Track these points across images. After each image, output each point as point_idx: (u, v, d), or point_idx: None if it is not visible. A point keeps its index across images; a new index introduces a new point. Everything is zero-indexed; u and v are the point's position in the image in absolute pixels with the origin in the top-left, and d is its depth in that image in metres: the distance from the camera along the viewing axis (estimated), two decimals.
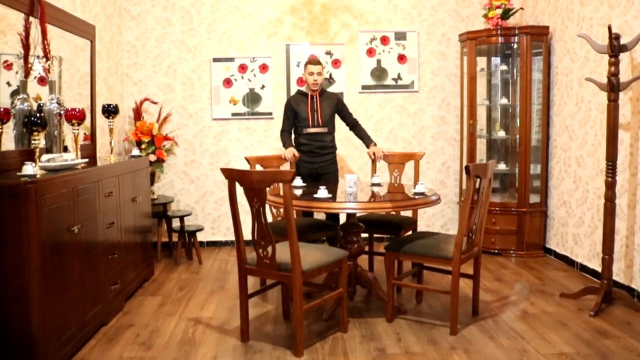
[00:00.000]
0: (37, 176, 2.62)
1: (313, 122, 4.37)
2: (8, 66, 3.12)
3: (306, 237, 3.72)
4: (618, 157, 3.61)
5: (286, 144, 4.39)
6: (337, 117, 4.55)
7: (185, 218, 5.04)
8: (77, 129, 3.35)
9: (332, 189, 3.59)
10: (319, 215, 4.62)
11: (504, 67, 5.23)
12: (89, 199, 3.09)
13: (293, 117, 4.42)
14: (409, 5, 5.41)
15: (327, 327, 3.29)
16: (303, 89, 4.50)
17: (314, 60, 4.34)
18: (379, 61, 5.42)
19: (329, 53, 5.35)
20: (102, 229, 3.29)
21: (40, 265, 2.52)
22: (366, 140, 4.48)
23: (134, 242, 3.92)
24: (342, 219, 4.27)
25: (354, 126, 4.55)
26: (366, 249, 4.14)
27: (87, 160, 3.42)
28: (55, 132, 3.38)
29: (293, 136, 4.50)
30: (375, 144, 4.43)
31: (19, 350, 2.52)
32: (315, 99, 4.38)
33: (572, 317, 3.41)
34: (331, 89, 5.28)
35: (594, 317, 3.40)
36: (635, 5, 3.67)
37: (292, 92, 5.34)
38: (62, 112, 3.37)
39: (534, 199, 4.96)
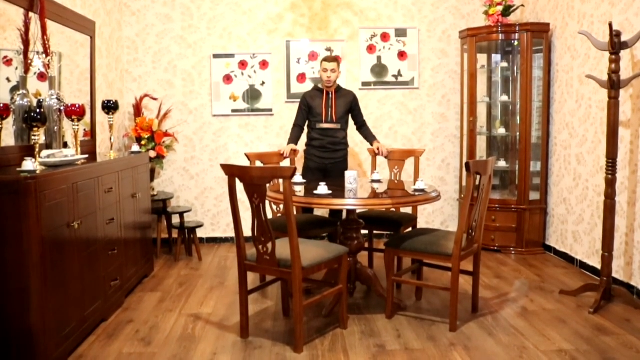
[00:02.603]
0: (37, 172, 2.62)
1: (327, 117, 4.38)
2: (8, 62, 3.12)
3: (306, 234, 3.73)
4: (618, 154, 3.61)
5: (289, 140, 4.41)
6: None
7: (185, 214, 5.04)
8: (77, 125, 3.34)
9: (336, 186, 3.58)
10: (319, 212, 4.62)
11: (505, 64, 5.22)
12: (88, 195, 3.09)
13: (306, 112, 4.45)
14: (409, 2, 5.40)
15: (327, 324, 3.29)
16: (320, 85, 4.51)
17: (328, 57, 4.38)
18: (379, 58, 5.41)
19: (329, 50, 5.34)
20: (102, 225, 3.29)
21: (40, 261, 2.52)
22: (370, 138, 4.52)
23: (133, 238, 3.92)
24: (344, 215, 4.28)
25: (362, 126, 4.58)
26: (366, 245, 4.14)
27: (87, 156, 3.42)
28: (55, 128, 3.37)
29: (306, 131, 4.52)
30: (379, 142, 4.48)
31: (18, 346, 2.52)
32: (330, 95, 4.39)
33: (571, 314, 3.41)
34: None
35: (594, 314, 3.40)
36: (636, 2, 3.66)
37: (292, 89, 5.35)
38: (62, 108, 3.37)
39: (534, 196, 4.95)
